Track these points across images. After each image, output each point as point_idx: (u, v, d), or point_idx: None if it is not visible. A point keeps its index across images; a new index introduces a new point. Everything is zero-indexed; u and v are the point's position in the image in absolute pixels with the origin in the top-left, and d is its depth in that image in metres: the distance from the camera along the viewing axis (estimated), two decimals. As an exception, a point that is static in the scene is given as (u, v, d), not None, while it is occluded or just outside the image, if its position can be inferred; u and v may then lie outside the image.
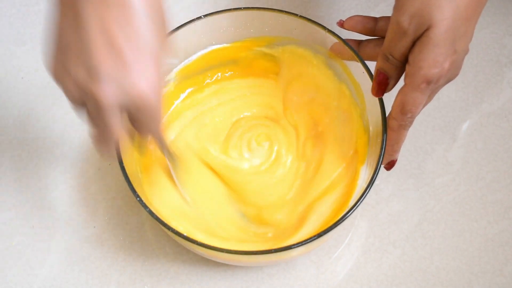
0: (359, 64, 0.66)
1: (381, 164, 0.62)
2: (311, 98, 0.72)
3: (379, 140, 0.63)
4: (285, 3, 0.82)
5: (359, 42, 0.68)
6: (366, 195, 0.60)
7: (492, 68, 0.77)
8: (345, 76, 0.70)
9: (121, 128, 0.52)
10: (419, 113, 0.59)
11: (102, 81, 0.48)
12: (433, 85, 0.57)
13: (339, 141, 0.69)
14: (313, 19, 0.68)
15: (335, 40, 0.67)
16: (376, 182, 0.61)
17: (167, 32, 0.53)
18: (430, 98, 0.60)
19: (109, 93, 0.49)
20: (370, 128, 0.68)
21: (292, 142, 0.71)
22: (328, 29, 0.68)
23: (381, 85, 0.62)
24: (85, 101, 0.50)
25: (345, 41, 0.67)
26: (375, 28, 0.66)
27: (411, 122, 0.60)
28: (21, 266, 0.69)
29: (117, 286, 0.68)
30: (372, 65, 0.65)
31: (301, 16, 0.69)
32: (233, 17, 0.70)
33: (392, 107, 0.60)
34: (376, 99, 0.64)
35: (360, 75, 0.67)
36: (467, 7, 0.55)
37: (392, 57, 0.59)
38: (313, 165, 0.69)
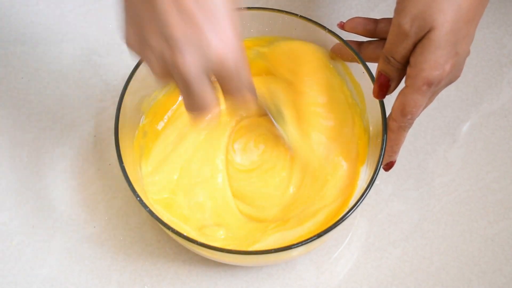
0: (359, 65, 0.66)
1: (381, 164, 0.62)
2: (311, 97, 0.72)
3: (379, 141, 0.63)
4: (285, 3, 0.82)
5: (360, 43, 0.68)
6: (366, 195, 0.60)
7: (492, 68, 0.77)
8: (345, 76, 0.70)
9: (213, 93, 0.52)
10: (419, 115, 0.60)
11: (182, 50, 0.49)
12: (434, 87, 0.57)
13: (339, 141, 0.69)
14: (313, 19, 0.68)
15: (335, 40, 0.67)
16: (376, 182, 0.61)
17: (239, 1, 0.53)
18: (430, 100, 0.60)
19: (190, 61, 0.49)
20: (370, 128, 0.68)
21: (292, 142, 0.71)
22: (328, 29, 0.68)
23: (383, 87, 0.62)
24: (171, 72, 0.51)
25: (346, 42, 0.67)
26: (376, 29, 0.66)
27: (410, 124, 0.60)
28: (21, 266, 0.69)
29: (117, 286, 0.68)
30: (372, 66, 0.65)
31: (301, 16, 0.69)
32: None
33: (392, 108, 0.60)
34: (376, 100, 0.64)
35: (360, 75, 0.67)
36: (469, 9, 0.55)
37: (394, 59, 0.59)
38: (310, 163, 0.69)
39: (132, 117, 0.67)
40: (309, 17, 0.69)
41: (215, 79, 0.52)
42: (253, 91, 0.55)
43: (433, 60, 0.56)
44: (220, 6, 0.49)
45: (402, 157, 0.72)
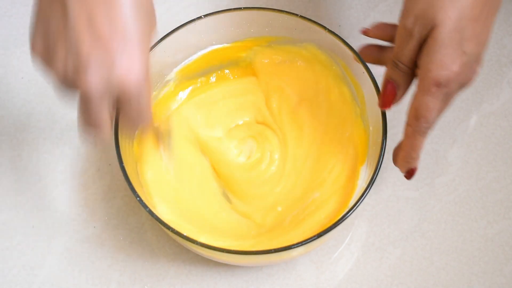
0: (359, 64, 0.66)
1: (381, 164, 0.62)
2: (311, 97, 0.72)
3: (379, 140, 0.63)
4: (285, 3, 0.82)
5: (382, 48, 0.65)
6: (366, 195, 0.60)
7: (492, 68, 0.77)
8: (345, 76, 0.70)
9: (107, 115, 0.52)
10: (435, 119, 0.58)
11: (88, 71, 0.49)
12: (443, 88, 0.56)
13: (338, 141, 0.69)
14: (313, 19, 0.68)
15: (335, 40, 0.67)
16: (376, 182, 0.61)
17: (155, 23, 0.53)
18: (445, 104, 0.58)
19: (93, 81, 0.49)
20: (370, 128, 0.68)
21: (291, 140, 0.71)
22: (328, 29, 0.68)
23: (389, 96, 0.60)
24: (72, 88, 0.51)
25: (346, 42, 0.67)
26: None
27: (426, 128, 0.58)
28: (21, 266, 0.69)
29: (117, 286, 0.68)
30: (373, 67, 0.65)
31: (301, 16, 0.69)
32: (233, 17, 0.70)
33: (407, 113, 0.59)
34: (377, 100, 0.63)
35: (360, 75, 0.67)
36: (473, 7, 0.55)
37: (401, 63, 0.58)
38: (312, 164, 0.69)
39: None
40: (309, 17, 0.69)
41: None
42: (149, 117, 0.55)
43: (438, 60, 0.55)
44: (134, 33, 0.50)
45: (402, 157, 0.72)
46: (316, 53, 0.71)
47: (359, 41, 0.67)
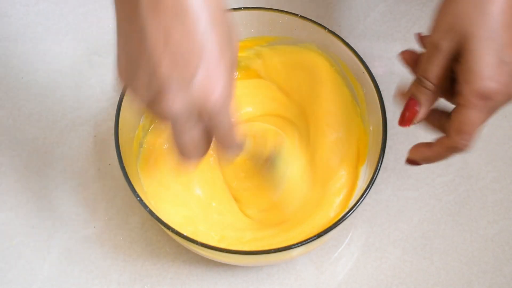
0: (360, 65, 0.66)
1: (381, 164, 0.62)
2: (310, 97, 0.72)
3: (379, 141, 0.63)
4: (285, 3, 0.82)
5: (418, 55, 0.61)
6: (366, 195, 0.60)
7: (492, 68, 0.77)
8: (345, 76, 0.70)
9: (199, 137, 0.51)
10: (476, 135, 0.54)
11: (170, 93, 0.47)
12: (488, 101, 0.53)
13: (339, 141, 0.69)
14: (313, 19, 0.68)
15: (335, 40, 0.67)
16: (376, 182, 0.61)
17: (235, 39, 0.51)
18: (487, 116, 0.55)
19: (178, 105, 0.48)
20: (370, 128, 0.68)
21: (292, 141, 0.71)
22: (328, 29, 0.68)
23: (410, 113, 0.57)
24: (157, 113, 0.49)
25: (346, 42, 0.67)
26: None
27: (464, 146, 0.55)
28: (21, 266, 0.69)
29: (117, 286, 0.68)
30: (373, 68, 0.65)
31: (301, 16, 0.69)
32: (233, 17, 0.70)
33: (449, 129, 0.56)
34: (377, 100, 0.64)
35: (360, 75, 0.67)
36: (503, 15, 0.53)
37: (426, 80, 0.56)
38: (311, 164, 0.69)
39: (132, 117, 0.67)
40: (309, 17, 0.69)
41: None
42: (234, 134, 0.52)
43: (478, 71, 0.53)
44: (212, 49, 0.48)
45: (402, 157, 0.72)
46: (316, 53, 0.71)
47: (359, 41, 0.68)
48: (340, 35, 0.67)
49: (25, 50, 0.80)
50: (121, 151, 0.62)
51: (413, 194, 0.72)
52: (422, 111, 0.57)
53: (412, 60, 0.59)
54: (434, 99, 0.57)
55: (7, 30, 0.81)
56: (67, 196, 0.72)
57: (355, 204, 0.60)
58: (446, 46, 0.54)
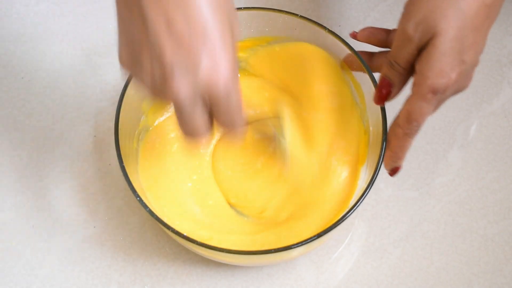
0: (360, 65, 0.66)
1: (381, 164, 0.62)
2: (310, 98, 0.72)
3: (379, 141, 0.63)
4: (285, 3, 0.82)
5: (371, 54, 0.67)
6: (366, 195, 0.60)
7: (492, 68, 0.77)
8: (345, 76, 0.70)
9: (204, 118, 0.51)
10: (424, 122, 0.59)
11: (172, 72, 0.48)
12: (439, 95, 0.57)
13: (339, 141, 0.69)
14: (313, 19, 0.68)
15: (335, 40, 0.67)
16: (376, 182, 0.61)
17: (236, 18, 0.52)
18: (436, 107, 0.60)
19: (181, 84, 0.48)
20: (370, 129, 0.68)
21: (291, 140, 0.71)
22: (328, 29, 0.68)
23: (384, 93, 0.61)
24: (163, 98, 0.50)
25: (346, 42, 0.67)
26: (387, 39, 0.65)
27: (416, 131, 0.60)
28: (21, 266, 0.69)
29: (117, 286, 0.68)
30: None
31: (301, 16, 0.69)
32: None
33: (398, 115, 0.60)
34: (376, 100, 0.64)
35: (360, 75, 0.67)
36: (475, 17, 0.55)
37: (397, 64, 0.59)
38: (311, 163, 0.69)
39: (132, 117, 0.67)
40: (309, 17, 0.69)
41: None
42: (241, 117, 0.53)
43: (438, 68, 0.55)
44: (212, 26, 0.48)
45: (402, 157, 0.72)
46: (316, 53, 0.71)
47: (359, 41, 0.67)
48: (340, 35, 0.67)
49: (25, 50, 0.80)
50: (121, 151, 0.62)
51: (413, 194, 0.72)
52: (395, 91, 0.61)
53: (372, 35, 0.65)
54: (406, 80, 0.61)
55: (7, 30, 0.81)
56: (67, 196, 0.72)
57: (355, 204, 0.60)
58: (417, 37, 0.56)
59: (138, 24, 0.48)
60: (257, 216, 0.68)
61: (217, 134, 0.72)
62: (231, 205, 0.69)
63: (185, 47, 0.47)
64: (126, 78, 0.64)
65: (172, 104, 0.50)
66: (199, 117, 0.50)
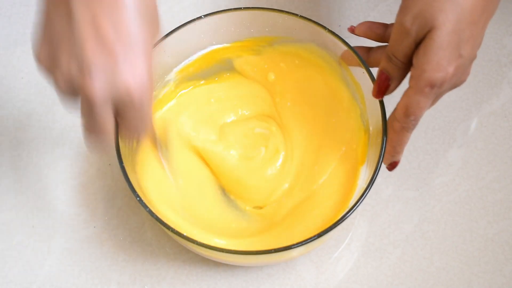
0: (360, 65, 0.66)
1: (381, 164, 0.62)
2: (311, 97, 0.72)
3: (379, 140, 0.63)
4: (285, 3, 0.82)
5: (369, 49, 0.68)
6: (366, 195, 0.60)
7: (492, 68, 0.77)
8: (345, 76, 0.70)
9: (112, 121, 0.52)
10: (422, 116, 0.59)
11: (92, 75, 0.49)
12: (437, 89, 0.57)
13: (339, 141, 0.69)
14: (313, 19, 0.68)
15: (335, 40, 0.67)
16: (376, 182, 0.61)
17: (158, 29, 0.53)
18: (434, 102, 0.60)
19: (98, 87, 0.49)
20: (370, 128, 0.68)
21: (289, 140, 0.71)
22: (328, 29, 0.68)
23: (382, 86, 0.61)
24: (75, 94, 0.51)
25: (345, 42, 0.67)
26: (385, 34, 0.65)
27: (414, 125, 0.60)
28: (21, 266, 0.69)
29: (117, 286, 0.68)
30: (374, 69, 0.65)
31: (301, 16, 0.69)
32: (233, 17, 0.70)
33: (396, 109, 0.60)
34: (376, 100, 0.63)
35: (360, 75, 0.67)
36: (472, 10, 0.55)
37: (395, 58, 0.59)
38: (312, 163, 0.69)
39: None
40: (309, 17, 0.68)
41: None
42: (149, 126, 0.55)
43: (435, 61, 0.55)
44: (138, 38, 0.49)
45: (402, 157, 0.72)
46: (316, 53, 0.71)
47: (359, 41, 0.67)
48: (340, 35, 0.67)
49: (25, 50, 0.80)
50: (121, 151, 0.62)
51: (413, 194, 0.72)
52: (393, 84, 0.61)
53: (369, 30, 0.65)
54: (404, 73, 0.61)
55: (7, 30, 0.81)
56: (67, 196, 0.72)
57: (355, 204, 0.60)
58: (414, 31, 0.56)
59: (63, 21, 0.49)
60: (257, 212, 0.68)
61: (217, 134, 0.72)
62: (230, 196, 0.69)
63: (108, 50, 0.48)
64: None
65: (81, 103, 0.51)
66: (106, 117, 0.51)
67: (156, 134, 0.61)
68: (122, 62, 0.49)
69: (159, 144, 0.64)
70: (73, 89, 0.50)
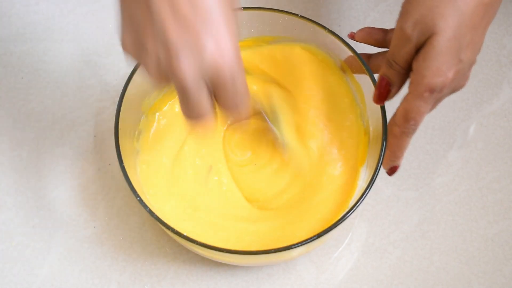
0: (360, 65, 0.66)
1: (381, 164, 0.62)
2: (311, 97, 0.72)
3: (379, 141, 0.63)
4: (285, 3, 0.82)
5: (370, 55, 0.68)
6: (366, 195, 0.60)
7: (492, 68, 0.77)
8: (345, 76, 0.70)
9: (209, 100, 0.51)
10: (422, 121, 0.59)
11: (178, 54, 0.48)
12: (436, 94, 0.57)
13: (339, 142, 0.69)
14: (313, 19, 0.68)
15: (335, 40, 0.67)
16: (376, 182, 0.61)
17: (237, 5, 0.52)
18: (433, 106, 0.60)
19: (186, 66, 0.48)
20: (370, 129, 0.68)
21: (290, 139, 0.71)
22: (328, 29, 0.68)
23: (383, 92, 0.61)
24: (167, 79, 0.50)
25: (346, 42, 0.67)
26: (385, 39, 0.65)
27: (414, 130, 0.60)
28: (21, 266, 0.69)
29: (117, 286, 0.68)
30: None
31: (301, 16, 0.69)
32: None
33: (395, 114, 0.60)
34: (377, 100, 0.64)
35: (360, 75, 0.67)
36: (473, 15, 0.55)
37: (396, 64, 0.59)
38: (312, 163, 0.69)
39: (132, 117, 0.67)
40: (309, 17, 0.69)
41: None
42: (247, 99, 0.53)
43: (435, 67, 0.55)
44: (216, 10, 0.48)
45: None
46: (316, 53, 0.71)
47: (358, 47, 0.67)
48: (340, 35, 0.67)
49: (25, 50, 0.80)
50: (121, 151, 0.62)
51: (413, 194, 0.72)
52: (394, 90, 0.61)
53: (369, 36, 0.65)
54: (405, 79, 0.61)
55: (7, 30, 0.81)
56: (67, 196, 0.72)
57: (355, 204, 0.60)
58: (415, 37, 0.56)
59: (142, 8, 0.48)
60: (256, 212, 0.68)
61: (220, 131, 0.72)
62: (234, 204, 0.69)
63: (190, 30, 0.47)
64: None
65: (175, 88, 0.50)
66: (204, 100, 0.50)
67: (258, 105, 0.59)
68: (204, 37, 0.48)
69: (265, 114, 0.62)
70: (164, 76, 0.49)
